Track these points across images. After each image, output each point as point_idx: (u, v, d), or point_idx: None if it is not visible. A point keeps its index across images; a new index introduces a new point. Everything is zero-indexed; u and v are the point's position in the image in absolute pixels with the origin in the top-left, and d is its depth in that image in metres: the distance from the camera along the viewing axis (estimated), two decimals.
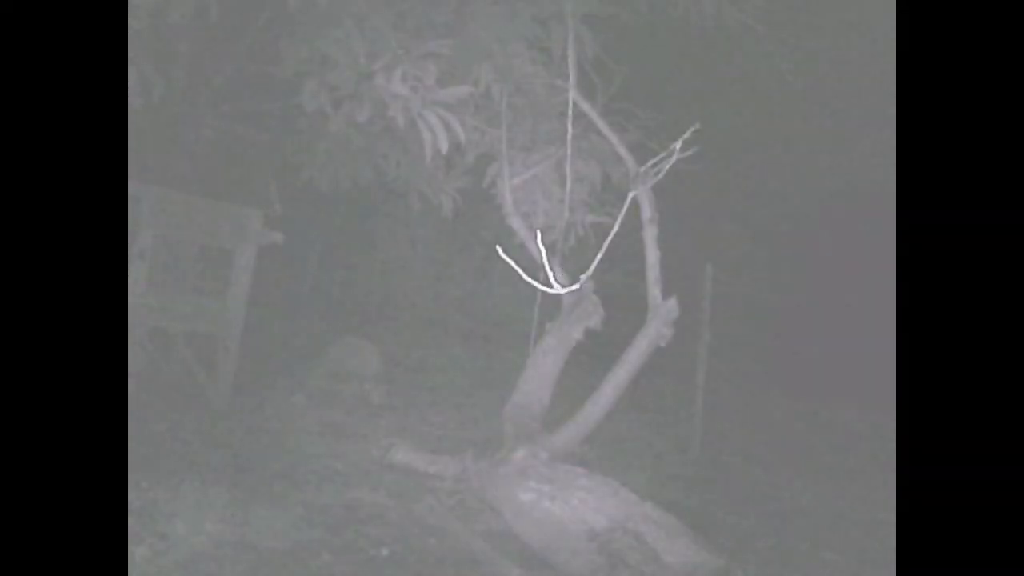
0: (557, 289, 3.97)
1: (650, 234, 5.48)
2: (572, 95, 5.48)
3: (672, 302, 5.37)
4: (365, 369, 8.25)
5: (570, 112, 5.26)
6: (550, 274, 3.85)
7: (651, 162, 5.23)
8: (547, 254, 4.16)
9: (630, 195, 4.61)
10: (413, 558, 4.05)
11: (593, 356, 6.66)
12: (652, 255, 5.46)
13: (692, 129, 4.62)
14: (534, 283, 3.74)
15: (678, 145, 4.63)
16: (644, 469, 6.42)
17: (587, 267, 4.09)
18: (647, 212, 5.48)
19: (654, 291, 5.42)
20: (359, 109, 4.97)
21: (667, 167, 4.98)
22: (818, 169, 10.58)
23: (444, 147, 5.11)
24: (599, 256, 3.92)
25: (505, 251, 3.65)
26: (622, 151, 5.70)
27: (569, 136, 5.20)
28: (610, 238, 3.93)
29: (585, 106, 5.72)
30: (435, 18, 5.30)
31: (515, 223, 6.14)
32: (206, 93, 7.16)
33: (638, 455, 6.97)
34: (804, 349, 10.51)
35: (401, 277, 11.61)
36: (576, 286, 4.30)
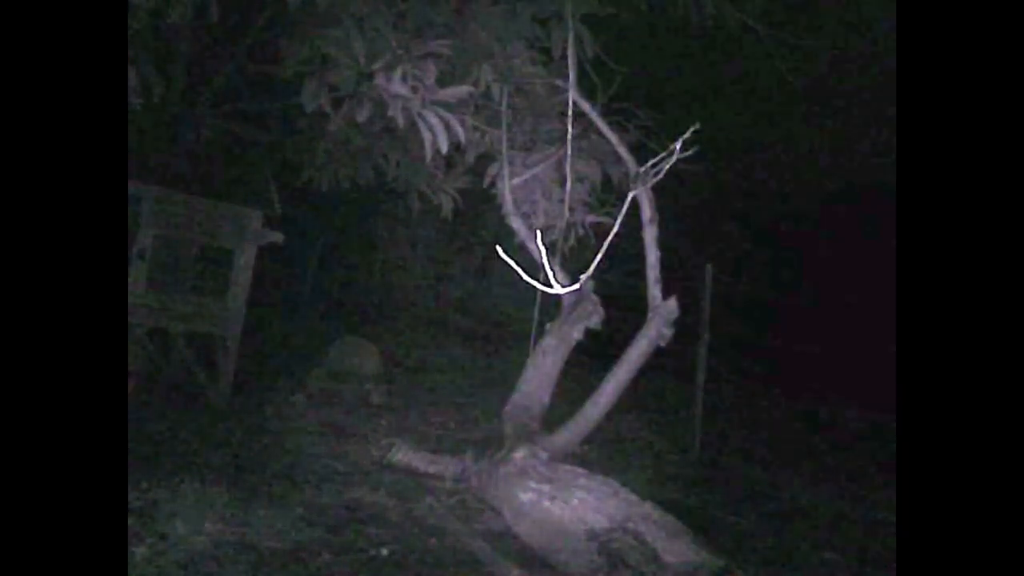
0: (557, 289, 3.96)
1: (650, 234, 5.47)
2: (572, 95, 5.47)
3: (672, 302, 5.37)
4: (365, 369, 8.27)
5: (570, 112, 5.25)
6: (550, 274, 3.84)
7: (651, 162, 5.23)
8: (547, 254, 4.15)
9: (630, 195, 4.60)
10: (413, 558, 4.05)
11: (593, 356, 6.67)
12: (652, 255, 5.46)
13: (692, 129, 4.61)
14: (534, 283, 3.73)
15: (678, 145, 4.62)
16: (644, 469, 6.43)
17: (587, 267, 4.08)
18: (647, 212, 5.48)
19: (654, 291, 5.42)
20: (359, 109, 4.97)
21: (667, 167, 4.98)
22: (818, 169, 10.60)
23: (444, 147, 5.11)
24: (599, 256, 3.91)
25: (505, 251, 3.64)
26: (622, 151, 5.70)
27: (569, 136, 5.20)
28: (610, 238, 3.92)
29: (585, 106, 5.71)
30: (435, 18, 5.30)
31: (515, 223, 6.13)
32: (206, 93, 7.17)
33: (638, 455, 6.98)
34: (804, 349, 10.51)
35: (401, 277, 11.65)
36: (576, 286, 4.29)
